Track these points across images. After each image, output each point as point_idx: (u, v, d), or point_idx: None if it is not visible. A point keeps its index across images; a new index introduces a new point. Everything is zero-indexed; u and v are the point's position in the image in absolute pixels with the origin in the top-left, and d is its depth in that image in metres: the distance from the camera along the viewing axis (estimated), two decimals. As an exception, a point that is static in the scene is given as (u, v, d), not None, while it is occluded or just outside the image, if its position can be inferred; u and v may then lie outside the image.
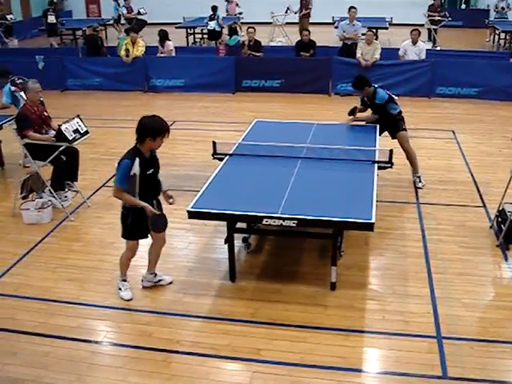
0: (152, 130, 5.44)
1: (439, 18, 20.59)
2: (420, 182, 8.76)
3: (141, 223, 5.72)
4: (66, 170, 8.21)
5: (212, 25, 19.41)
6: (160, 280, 6.27)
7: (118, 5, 23.48)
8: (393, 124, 8.58)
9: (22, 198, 8.07)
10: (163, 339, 5.44)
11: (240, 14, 23.21)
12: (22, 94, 8.56)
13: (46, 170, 8.21)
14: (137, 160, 5.47)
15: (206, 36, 20.90)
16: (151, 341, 5.42)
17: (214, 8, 19.65)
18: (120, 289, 6.10)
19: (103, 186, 9.00)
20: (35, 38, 23.39)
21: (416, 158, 8.73)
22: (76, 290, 6.26)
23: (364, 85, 8.46)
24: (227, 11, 23.20)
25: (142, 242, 6.02)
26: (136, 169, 5.47)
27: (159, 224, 5.67)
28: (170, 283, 6.29)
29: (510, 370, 5.07)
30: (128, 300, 6.03)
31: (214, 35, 19.44)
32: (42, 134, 7.95)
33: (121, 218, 5.80)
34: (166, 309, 5.91)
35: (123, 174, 5.49)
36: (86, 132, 8.05)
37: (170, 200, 5.87)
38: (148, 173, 5.61)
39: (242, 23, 21.82)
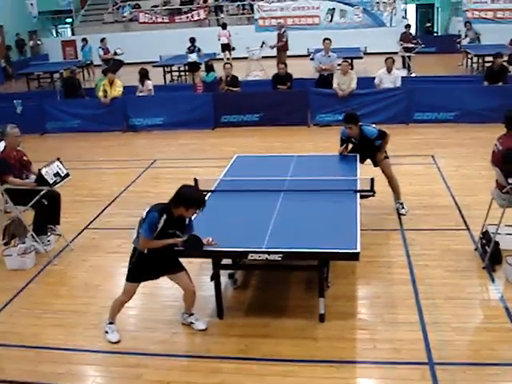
0: (188, 200, 5.48)
1: (412, 45, 20.94)
2: (403, 208, 8.79)
3: (145, 267, 5.72)
4: (48, 213, 8.14)
5: (193, 57, 19.56)
6: (191, 323, 6.14)
7: (89, 49, 23.75)
8: (376, 152, 8.60)
9: (4, 244, 7.99)
10: (153, 381, 5.36)
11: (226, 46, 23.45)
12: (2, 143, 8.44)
13: (27, 215, 8.14)
14: (164, 216, 5.48)
15: (186, 69, 21.04)
16: None
17: (193, 40, 19.81)
18: (107, 332, 6.01)
19: (86, 228, 8.94)
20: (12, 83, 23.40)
21: (398, 184, 8.77)
22: (63, 336, 6.16)
23: (358, 120, 8.39)
24: (219, 38, 23.45)
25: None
26: (160, 225, 5.48)
27: (192, 247, 5.62)
28: (202, 330, 6.09)
29: (504, 393, 5.06)
30: (115, 342, 5.93)
31: (195, 67, 19.62)
32: (23, 178, 7.90)
33: (129, 257, 5.82)
34: (154, 349, 5.82)
35: (151, 227, 5.47)
36: (67, 175, 8.01)
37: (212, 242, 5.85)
38: (169, 232, 5.59)
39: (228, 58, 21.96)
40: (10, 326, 6.39)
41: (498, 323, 5.96)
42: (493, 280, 6.80)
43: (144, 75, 15.72)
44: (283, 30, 21.78)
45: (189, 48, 20.07)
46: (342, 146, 8.68)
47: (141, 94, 15.63)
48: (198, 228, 5.88)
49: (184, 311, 6.19)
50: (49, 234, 8.25)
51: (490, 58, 16.45)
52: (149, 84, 15.67)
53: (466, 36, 22.90)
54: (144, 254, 5.64)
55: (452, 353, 5.49)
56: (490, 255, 7.01)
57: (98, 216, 9.40)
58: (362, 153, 8.56)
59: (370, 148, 8.52)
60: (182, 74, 22.07)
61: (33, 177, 7.89)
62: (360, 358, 5.54)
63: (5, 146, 8.14)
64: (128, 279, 5.82)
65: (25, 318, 6.55)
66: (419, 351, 5.54)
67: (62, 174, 7.91)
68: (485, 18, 26.14)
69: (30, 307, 6.77)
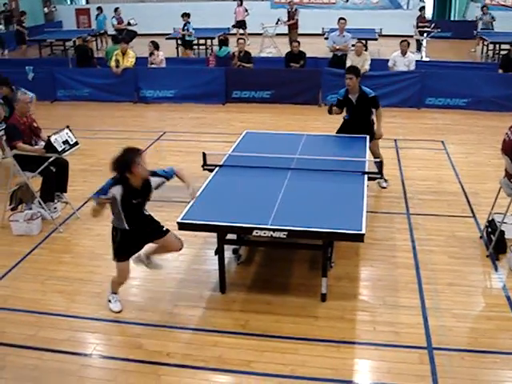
0: (122, 164, 5.43)
1: (428, 29, 20.73)
2: (385, 181, 8.87)
3: (130, 241, 5.73)
4: (56, 181, 8.16)
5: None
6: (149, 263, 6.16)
7: (104, 18, 23.58)
8: (369, 131, 8.61)
9: (11, 210, 8.03)
10: (153, 351, 5.41)
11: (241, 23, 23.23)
12: None
13: (35, 181, 8.16)
14: (119, 186, 5.44)
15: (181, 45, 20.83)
16: (141, 353, 5.39)
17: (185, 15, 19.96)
18: (110, 301, 6.07)
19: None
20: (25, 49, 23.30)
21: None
22: (66, 302, 6.22)
23: (358, 73, 8.55)
24: (235, 13, 23.24)
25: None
26: (116, 193, 5.43)
27: None
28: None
29: (501, 381, 5.07)
30: (117, 312, 5.99)
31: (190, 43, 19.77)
32: (32, 145, 7.92)
33: (111, 238, 5.80)
34: (156, 321, 5.87)
35: (103, 188, 5.47)
36: (76, 143, 8.02)
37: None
38: (134, 202, 5.57)
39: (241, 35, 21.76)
40: (13, 291, 6.45)
41: (498, 312, 5.98)
42: (496, 269, 6.81)
43: (155, 46, 15.63)
44: (294, 7, 21.61)
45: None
46: (336, 105, 8.82)
47: (153, 66, 15.57)
48: (206, 202, 5.89)
49: (148, 253, 6.11)
50: (56, 201, 8.28)
51: (506, 46, 16.28)
52: (160, 54, 15.58)
53: (481, 19, 22.60)
54: (126, 230, 5.63)
55: (451, 339, 5.52)
56: (495, 244, 7.02)
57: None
58: (358, 120, 8.65)
59: (365, 113, 8.57)
60: (195, 47, 21.93)
61: (42, 143, 7.90)
62: (359, 339, 5.57)
63: (14, 112, 8.14)
64: (117, 258, 5.81)
65: (29, 283, 6.61)
66: (419, 335, 5.57)
67: (71, 142, 7.92)
68: (503, 5, 25.82)
69: (35, 273, 6.83)
